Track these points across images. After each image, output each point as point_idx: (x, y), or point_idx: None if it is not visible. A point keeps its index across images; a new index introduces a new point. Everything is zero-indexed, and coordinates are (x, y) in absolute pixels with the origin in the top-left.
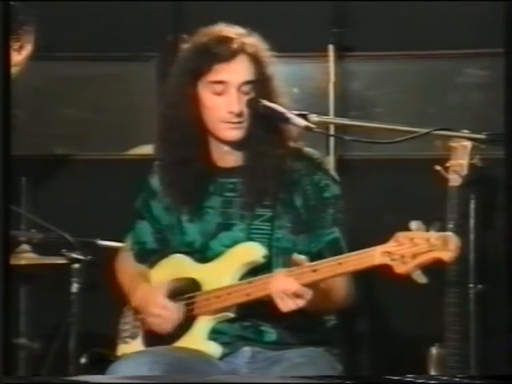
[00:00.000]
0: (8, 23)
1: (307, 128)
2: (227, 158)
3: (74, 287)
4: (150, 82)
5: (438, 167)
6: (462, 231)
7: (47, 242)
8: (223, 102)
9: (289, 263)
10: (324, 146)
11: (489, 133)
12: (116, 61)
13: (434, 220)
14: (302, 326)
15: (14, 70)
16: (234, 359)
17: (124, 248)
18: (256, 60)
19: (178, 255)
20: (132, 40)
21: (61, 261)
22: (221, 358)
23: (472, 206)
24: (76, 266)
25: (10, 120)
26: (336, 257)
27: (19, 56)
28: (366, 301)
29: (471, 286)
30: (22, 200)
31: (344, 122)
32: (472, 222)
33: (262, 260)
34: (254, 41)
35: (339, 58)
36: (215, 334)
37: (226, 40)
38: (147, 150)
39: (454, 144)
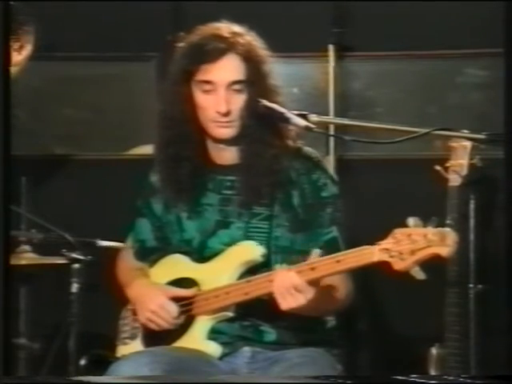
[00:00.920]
0: (8, 23)
1: (307, 128)
2: (225, 156)
3: (74, 287)
4: (150, 82)
5: (437, 167)
6: (461, 231)
7: (47, 241)
8: (211, 101)
9: (289, 262)
10: (324, 146)
11: (489, 133)
12: (116, 61)
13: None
14: (301, 326)
15: (13, 70)
16: (233, 359)
17: (124, 248)
18: (248, 59)
19: (176, 255)
20: (132, 40)
21: (61, 261)
22: (221, 358)
23: (472, 206)
24: (76, 266)
25: (9, 120)
26: (334, 254)
27: (19, 56)
28: (366, 301)
29: (471, 285)
30: (22, 200)
31: (344, 122)
32: (472, 222)
33: (260, 259)
34: (247, 39)
35: (339, 57)
36: (215, 334)
37: (217, 38)
38: (147, 150)
39: (453, 144)
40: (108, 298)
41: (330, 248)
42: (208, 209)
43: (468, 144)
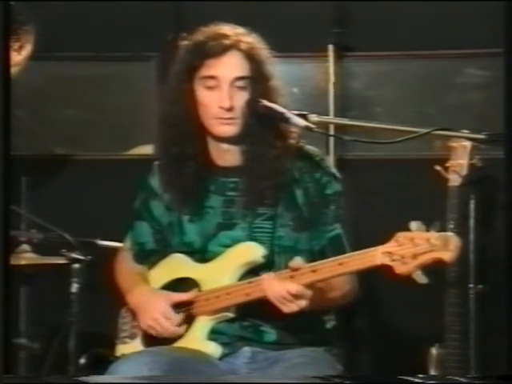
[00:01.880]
0: (8, 23)
1: (307, 128)
2: (227, 157)
3: (74, 287)
4: (150, 81)
5: (437, 167)
6: (461, 231)
7: (47, 241)
8: (215, 97)
9: (288, 265)
10: (324, 146)
11: (489, 133)
12: (116, 61)
13: (433, 220)
14: (301, 326)
15: (13, 70)
16: (233, 359)
17: (123, 248)
18: (251, 57)
19: (177, 255)
20: (132, 40)
21: (61, 261)
22: (221, 358)
23: (472, 206)
24: (76, 266)
25: (9, 120)
26: (336, 257)
27: (19, 56)
28: (366, 301)
29: (471, 286)
30: (22, 200)
31: (344, 122)
32: (472, 222)
33: (261, 260)
34: (250, 39)
35: (339, 57)
36: (215, 334)
37: (220, 36)
38: (147, 149)
39: (453, 144)
40: (108, 298)
41: (334, 245)
42: (210, 211)
43: (468, 144)
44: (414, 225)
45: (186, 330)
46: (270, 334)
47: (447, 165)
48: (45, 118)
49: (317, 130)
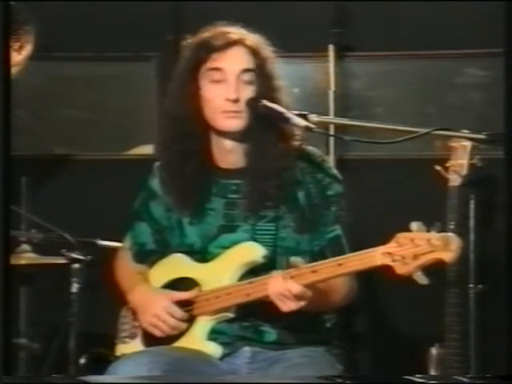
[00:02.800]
0: (8, 23)
1: (307, 128)
2: (229, 159)
3: (74, 287)
4: (150, 81)
5: (438, 167)
6: (462, 231)
7: (47, 241)
8: (221, 90)
9: (289, 263)
10: (324, 146)
11: (489, 133)
12: (116, 61)
13: (433, 220)
14: (302, 326)
15: (14, 70)
16: (233, 359)
17: (123, 248)
18: (255, 53)
19: (178, 254)
20: (132, 40)
21: (61, 261)
22: (221, 358)
23: (472, 206)
24: (76, 266)
25: (10, 120)
26: (336, 258)
27: (19, 56)
28: (366, 301)
29: (471, 286)
30: (22, 200)
31: (344, 122)
32: (472, 222)
33: (261, 260)
34: (254, 38)
35: (339, 57)
36: (215, 334)
37: (225, 33)
38: (147, 149)
39: (453, 144)
40: (108, 298)
41: (334, 246)
42: (211, 213)
43: (468, 144)
44: (414, 225)
45: (187, 330)
46: (271, 333)
47: (447, 165)
48: (45, 117)
49: (317, 130)
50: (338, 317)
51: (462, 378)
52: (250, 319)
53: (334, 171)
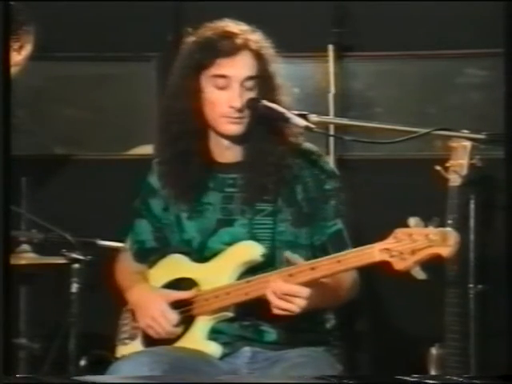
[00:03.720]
0: (8, 23)
1: (307, 128)
2: (227, 154)
3: (74, 287)
4: (150, 81)
5: (438, 167)
6: (461, 231)
7: (47, 241)
8: (225, 96)
9: (284, 261)
10: (324, 146)
11: (489, 133)
12: (116, 61)
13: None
14: (302, 326)
15: (13, 70)
16: (234, 359)
17: (123, 249)
18: (259, 57)
19: (176, 255)
20: (132, 40)
21: (61, 261)
22: (221, 358)
23: (472, 206)
24: (76, 266)
25: (10, 120)
26: (334, 254)
27: (19, 56)
28: (366, 301)
29: (471, 285)
30: (22, 200)
31: (344, 122)
32: (472, 222)
33: (260, 259)
34: (257, 37)
35: (339, 57)
36: (215, 334)
37: (231, 35)
38: (147, 149)
39: (453, 144)
40: (108, 297)
41: (336, 240)
42: (209, 208)
43: (468, 144)
44: (412, 221)
45: (186, 330)
46: (271, 333)
47: (447, 165)
48: (45, 117)
49: (317, 130)
50: (338, 317)
51: (461, 378)
52: (250, 319)
53: (331, 166)
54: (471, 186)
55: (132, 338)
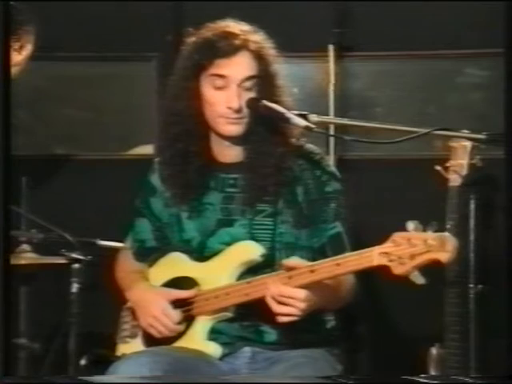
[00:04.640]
0: (8, 23)
1: (307, 128)
2: (228, 154)
3: (74, 287)
4: (150, 81)
5: (438, 167)
6: (461, 231)
7: (47, 241)
8: (223, 96)
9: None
10: (324, 146)
11: (489, 133)
12: (116, 61)
13: (433, 220)
14: (302, 327)
15: (14, 70)
16: (234, 359)
17: (123, 248)
18: (259, 57)
19: (176, 254)
20: (132, 40)
21: (61, 261)
22: (221, 359)
23: (472, 206)
24: (76, 265)
25: (9, 120)
26: (333, 257)
27: (19, 56)
28: (366, 301)
29: (471, 286)
30: (22, 200)
31: (344, 121)
32: (472, 222)
33: (259, 259)
34: (258, 38)
35: (339, 57)
36: (215, 334)
37: (230, 35)
38: (147, 149)
39: (453, 144)
40: (108, 297)
41: (335, 243)
42: (209, 208)
43: (468, 144)
44: (410, 225)
45: (187, 330)
46: (271, 333)
47: (447, 165)
48: (45, 117)
49: (317, 130)
50: (338, 317)
51: (462, 378)
52: (250, 319)
53: (333, 169)
54: (471, 186)
55: (132, 336)
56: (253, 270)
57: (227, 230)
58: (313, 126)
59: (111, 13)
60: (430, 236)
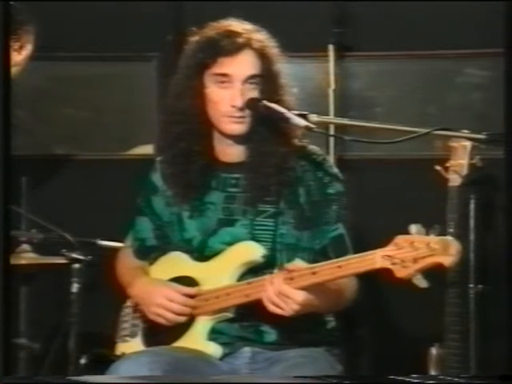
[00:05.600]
0: (8, 23)
1: (307, 128)
2: (230, 153)
3: (74, 287)
4: (150, 81)
5: (438, 167)
6: (461, 231)
7: (47, 241)
8: (227, 95)
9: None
10: (324, 146)
11: (489, 133)
12: (116, 61)
13: (433, 220)
14: (301, 327)
15: (14, 70)
16: (234, 359)
17: (124, 247)
18: (262, 56)
19: (177, 253)
20: (132, 40)
21: (61, 261)
22: (221, 359)
23: (472, 206)
24: (76, 266)
25: (10, 120)
26: (336, 260)
27: (19, 56)
28: (367, 301)
29: (471, 286)
30: (22, 200)
31: (344, 121)
32: (472, 222)
33: (260, 259)
34: (261, 37)
35: (339, 57)
36: (215, 335)
37: (233, 34)
38: (147, 149)
39: (453, 144)
40: (108, 297)
41: (337, 245)
42: (210, 207)
43: (468, 144)
44: (413, 228)
45: (187, 330)
46: (270, 334)
47: (447, 165)
48: (45, 117)
49: (317, 130)
50: (338, 317)
51: (462, 378)
52: (250, 319)
53: (335, 170)
54: (471, 185)
55: (132, 335)
56: (253, 270)
57: (228, 230)
58: (313, 125)
59: (111, 13)
60: (433, 239)
